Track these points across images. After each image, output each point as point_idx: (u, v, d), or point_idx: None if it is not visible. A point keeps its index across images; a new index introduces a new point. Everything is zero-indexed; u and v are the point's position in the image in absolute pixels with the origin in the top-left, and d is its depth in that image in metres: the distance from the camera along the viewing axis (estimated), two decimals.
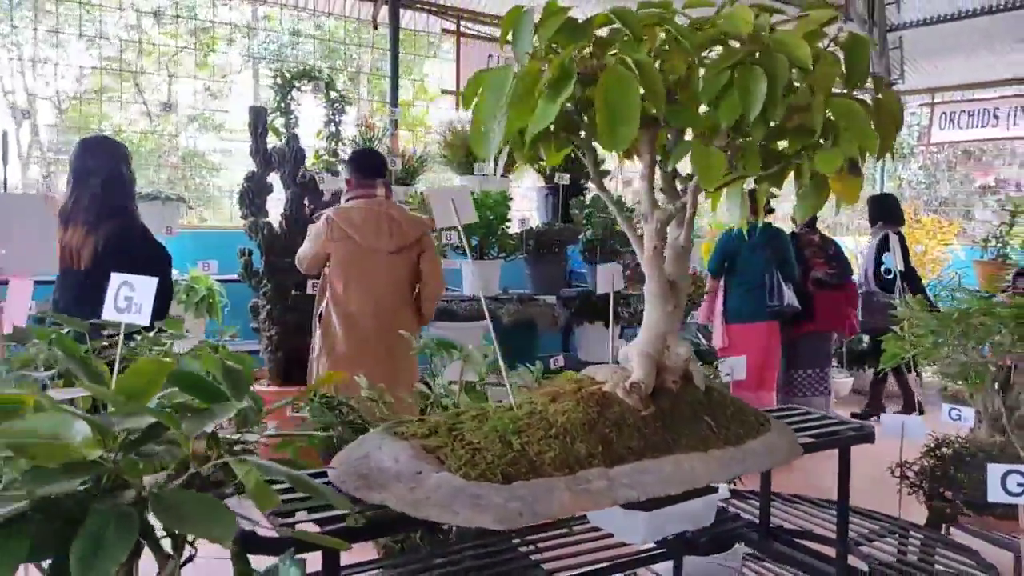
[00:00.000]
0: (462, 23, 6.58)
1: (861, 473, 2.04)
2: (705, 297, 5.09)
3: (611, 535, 2.01)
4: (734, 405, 1.58)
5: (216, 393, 1.01)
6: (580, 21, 1.28)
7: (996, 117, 8.54)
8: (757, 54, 1.22)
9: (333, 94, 5.48)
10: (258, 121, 4.39)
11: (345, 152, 5.67)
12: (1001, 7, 7.05)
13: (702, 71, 1.27)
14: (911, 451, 2.58)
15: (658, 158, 1.50)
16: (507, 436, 1.33)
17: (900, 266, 4.30)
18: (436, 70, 7.05)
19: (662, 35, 1.25)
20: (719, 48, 1.30)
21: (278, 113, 4.81)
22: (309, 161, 4.97)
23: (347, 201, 3.59)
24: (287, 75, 5.30)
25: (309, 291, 4.10)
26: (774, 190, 1.57)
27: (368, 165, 3.65)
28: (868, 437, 1.80)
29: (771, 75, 1.18)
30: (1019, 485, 1.49)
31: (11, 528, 0.79)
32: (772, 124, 1.23)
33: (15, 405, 0.91)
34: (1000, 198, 10.44)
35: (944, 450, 2.28)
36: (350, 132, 5.70)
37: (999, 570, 2.00)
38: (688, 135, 1.43)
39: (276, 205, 4.75)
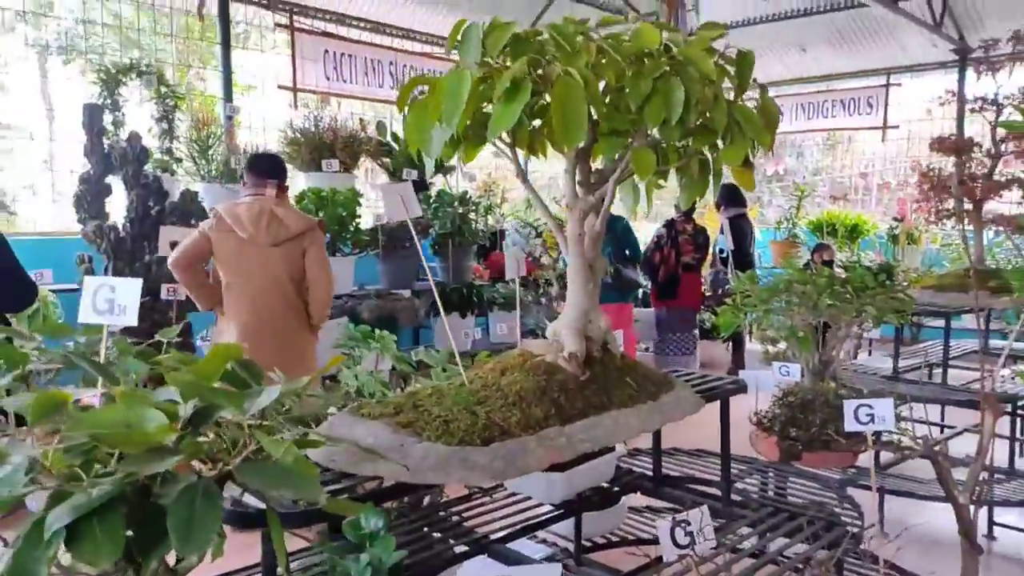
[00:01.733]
0: (295, 18, 6.48)
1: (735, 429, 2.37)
2: None
3: (528, 498, 2.22)
4: (642, 368, 1.83)
5: (244, 382, 1.09)
6: (521, 34, 1.44)
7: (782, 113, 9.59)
8: (669, 68, 1.44)
9: (164, 89, 5.25)
10: (94, 119, 4.15)
11: (180, 151, 5.46)
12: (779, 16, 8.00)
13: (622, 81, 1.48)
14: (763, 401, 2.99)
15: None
16: (471, 407, 1.48)
17: (731, 246, 4.87)
18: (270, 65, 6.88)
19: (592, 49, 1.44)
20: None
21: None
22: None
23: (240, 199, 3.71)
24: (112, 69, 5.02)
25: (164, 297, 3.96)
26: (660, 182, 1.83)
27: (260, 167, 3.76)
28: (742, 389, 2.12)
29: (686, 85, 1.41)
30: (867, 416, 1.86)
31: (109, 509, 0.85)
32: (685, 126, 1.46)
33: (61, 401, 0.95)
34: (786, 184, 11.70)
35: (791, 398, 2.68)
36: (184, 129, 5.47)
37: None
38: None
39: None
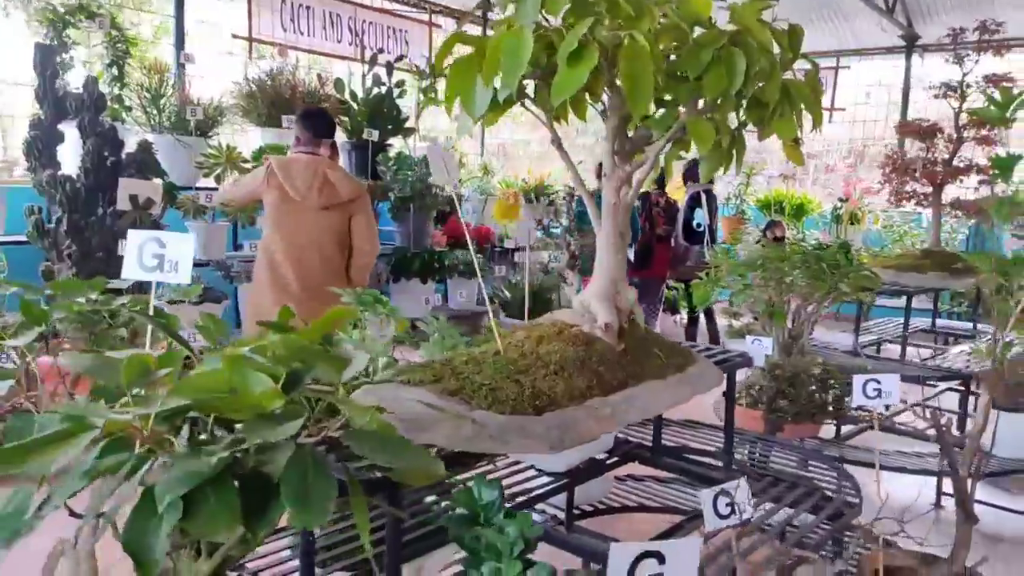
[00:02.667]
0: None
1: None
2: None
3: (528, 467, 2.21)
4: (664, 340, 1.83)
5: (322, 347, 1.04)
6: None
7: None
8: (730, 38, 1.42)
9: (115, 32, 4.96)
10: (47, 61, 3.89)
11: (131, 98, 5.18)
12: None
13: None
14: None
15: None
16: (513, 376, 1.46)
17: (707, 220, 4.94)
18: (224, 14, 6.57)
19: (656, 14, 1.41)
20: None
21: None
22: None
23: (292, 154, 3.78)
24: (60, 9, 4.72)
25: (120, 253, 3.78)
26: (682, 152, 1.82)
27: (315, 125, 3.80)
28: (748, 362, 2.15)
29: (747, 56, 1.40)
30: (874, 390, 1.91)
31: (222, 478, 0.80)
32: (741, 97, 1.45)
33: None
34: None
35: (777, 372, 2.75)
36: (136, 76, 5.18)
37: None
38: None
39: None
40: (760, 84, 1.45)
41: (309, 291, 3.59)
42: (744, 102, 1.50)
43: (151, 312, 1.16)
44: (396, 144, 6.68)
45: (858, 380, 1.92)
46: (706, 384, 1.75)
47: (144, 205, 3.67)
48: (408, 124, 6.58)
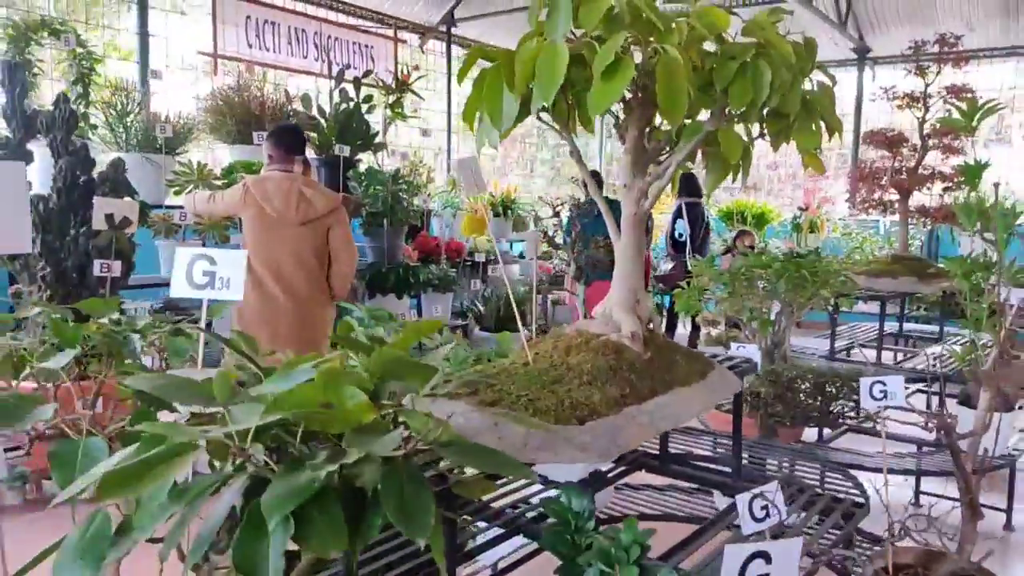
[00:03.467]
0: None
1: None
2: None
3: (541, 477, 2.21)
4: (683, 348, 1.86)
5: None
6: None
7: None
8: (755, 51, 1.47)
9: (81, 50, 4.85)
10: (14, 78, 3.78)
11: (97, 116, 5.07)
12: None
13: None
14: None
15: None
16: (548, 386, 1.46)
17: (688, 231, 5.02)
18: (182, 30, 6.47)
19: (684, 28, 1.44)
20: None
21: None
22: None
23: (266, 173, 3.80)
24: (22, 25, 4.61)
25: (97, 273, 3.69)
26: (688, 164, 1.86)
27: (286, 142, 3.84)
28: (753, 368, 2.19)
29: (772, 68, 1.44)
30: (880, 392, 1.96)
31: (326, 494, 0.79)
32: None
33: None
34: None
35: (772, 378, 2.80)
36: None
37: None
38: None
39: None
40: (781, 95, 1.49)
41: (296, 303, 3.63)
42: (764, 113, 1.54)
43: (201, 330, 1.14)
44: (365, 160, 6.66)
45: (865, 382, 1.97)
46: (728, 389, 1.78)
47: (120, 224, 3.59)
48: (377, 140, 6.57)
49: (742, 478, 2.20)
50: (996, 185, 2.07)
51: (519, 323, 1.68)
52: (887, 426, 3.15)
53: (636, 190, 1.69)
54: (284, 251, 3.67)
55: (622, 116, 1.78)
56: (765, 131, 1.58)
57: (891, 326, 4.99)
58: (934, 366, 4.05)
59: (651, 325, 1.76)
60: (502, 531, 1.80)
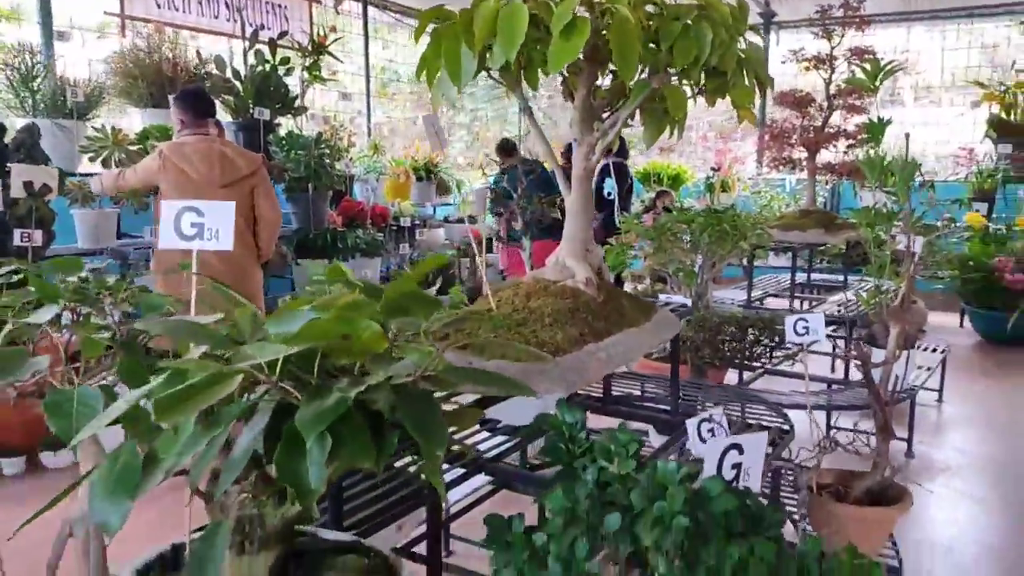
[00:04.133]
0: None
1: None
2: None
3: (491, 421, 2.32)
4: (628, 294, 1.99)
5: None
6: None
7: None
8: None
9: None
10: None
11: None
12: None
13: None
14: None
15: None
16: (515, 328, 1.57)
17: (616, 190, 5.18)
18: None
19: None
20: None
21: None
22: None
23: (180, 138, 3.74)
24: None
25: (18, 243, 3.57)
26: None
27: (198, 105, 3.84)
28: (689, 312, 2.35)
29: (713, 28, 1.55)
30: (803, 328, 2.15)
31: (352, 416, 0.87)
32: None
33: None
34: None
35: (702, 324, 2.99)
36: None
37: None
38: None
39: None
40: (721, 54, 1.61)
41: (227, 265, 3.59)
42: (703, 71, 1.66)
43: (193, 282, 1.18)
44: (285, 124, 6.53)
45: (789, 320, 2.15)
46: (670, 330, 1.93)
47: (40, 192, 3.47)
48: (297, 103, 6.45)
49: (679, 414, 2.37)
50: (907, 135, 2.26)
51: (482, 272, 1.77)
52: (802, 367, 3.39)
53: (585, 145, 1.79)
54: None
55: (568, 75, 1.88)
56: (704, 88, 1.70)
57: (799, 277, 5.31)
58: (840, 311, 4.36)
59: (600, 273, 1.88)
60: (462, 471, 1.90)
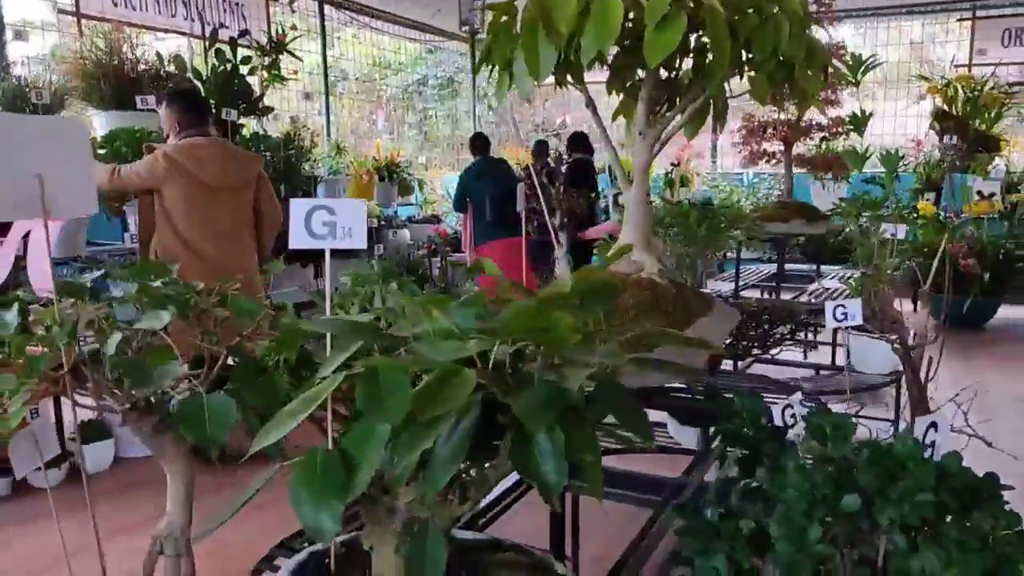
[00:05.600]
0: None
1: None
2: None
3: None
4: (685, 284, 2.02)
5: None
6: None
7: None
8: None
9: None
10: None
11: None
12: None
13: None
14: None
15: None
16: (604, 319, 1.57)
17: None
18: None
19: None
20: None
21: None
22: None
23: (185, 140, 3.52)
24: None
25: None
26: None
27: (197, 105, 3.72)
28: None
29: (789, 19, 1.58)
30: (842, 314, 2.21)
31: (566, 414, 0.86)
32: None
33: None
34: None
35: None
36: None
37: None
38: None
39: None
40: (794, 44, 1.64)
41: (238, 268, 3.42)
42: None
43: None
44: (248, 125, 6.39)
45: (829, 306, 2.20)
46: (731, 321, 1.95)
47: None
48: (260, 103, 6.31)
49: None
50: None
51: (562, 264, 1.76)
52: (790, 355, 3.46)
53: (650, 138, 1.80)
54: (224, 217, 3.51)
55: (618, 68, 1.89)
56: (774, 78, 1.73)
57: (774, 267, 5.45)
58: (818, 298, 4.49)
59: (662, 264, 1.90)
60: None
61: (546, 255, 6.33)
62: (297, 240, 1.14)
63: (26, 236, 1.16)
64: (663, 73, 1.84)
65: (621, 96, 2.02)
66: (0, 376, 1.16)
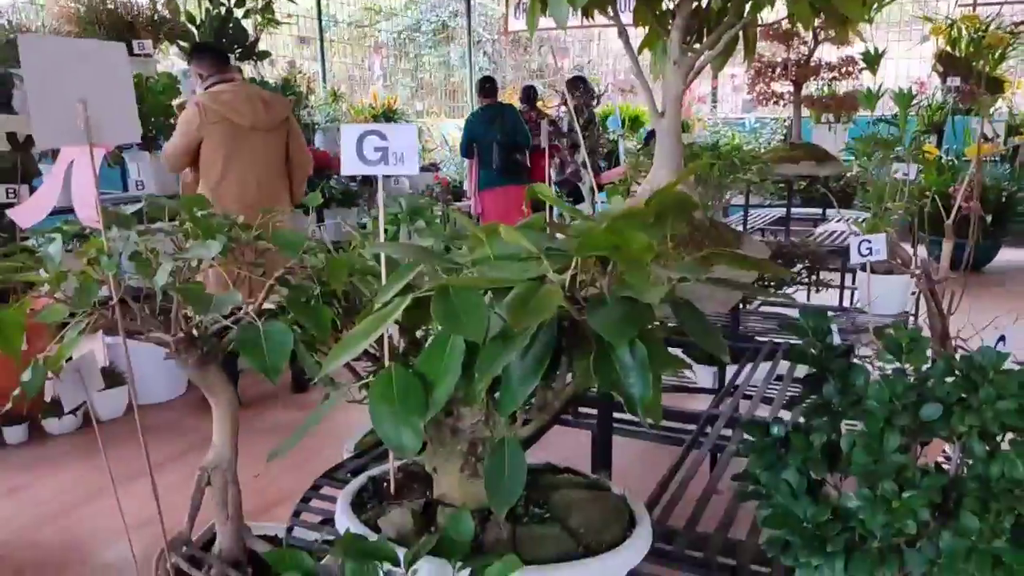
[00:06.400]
0: None
1: None
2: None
3: None
4: (713, 219, 2.01)
5: None
6: None
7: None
8: None
9: None
10: None
11: None
12: None
13: None
14: None
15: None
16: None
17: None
18: None
19: None
20: None
21: None
22: None
23: (210, 87, 3.55)
24: None
25: (3, 199, 3.35)
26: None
27: (220, 53, 3.79)
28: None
29: None
30: (867, 249, 2.21)
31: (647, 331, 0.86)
32: None
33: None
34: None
35: None
36: None
37: None
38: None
39: None
40: None
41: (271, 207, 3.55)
42: None
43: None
44: (244, 70, 6.26)
45: (854, 240, 2.20)
46: (763, 254, 1.95)
47: (26, 144, 3.25)
48: (256, 47, 6.18)
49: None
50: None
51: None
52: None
53: (684, 67, 1.78)
54: (258, 159, 3.55)
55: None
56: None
57: (780, 211, 5.44)
58: (829, 239, 4.50)
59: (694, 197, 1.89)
60: None
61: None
62: (349, 167, 1.12)
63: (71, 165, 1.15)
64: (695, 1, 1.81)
65: (646, 28, 1.98)
66: (51, 308, 1.15)
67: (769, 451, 0.94)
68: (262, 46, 6.37)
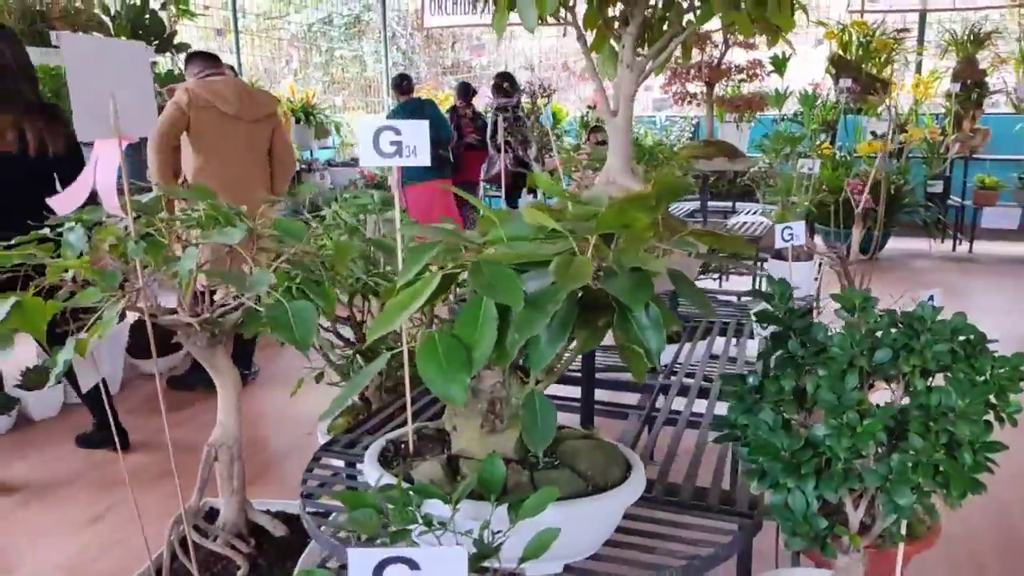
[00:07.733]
0: None
1: None
2: None
3: None
4: None
5: None
6: None
7: (475, 5, 10.09)
8: None
9: None
10: None
11: None
12: None
13: None
14: None
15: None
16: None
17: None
18: None
19: None
20: None
21: None
22: None
23: (202, 78, 3.66)
24: None
25: None
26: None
27: (210, 55, 3.87)
28: None
29: None
30: (789, 235, 2.46)
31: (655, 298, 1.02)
32: None
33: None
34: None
35: None
36: None
37: None
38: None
39: None
40: None
41: (253, 206, 3.67)
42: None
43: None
44: (160, 63, 6.16)
45: (778, 227, 2.45)
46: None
47: None
48: (173, 39, 6.08)
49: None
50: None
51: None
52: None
53: (636, 71, 1.96)
54: (240, 148, 3.63)
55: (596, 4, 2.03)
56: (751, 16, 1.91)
57: (694, 204, 5.76)
58: (739, 229, 4.82)
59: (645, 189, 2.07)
60: None
61: (472, 195, 6.54)
62: (367, 158, 1.24)
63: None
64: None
65: (594, 32, 2.15)
66: (84, 291, 1.22)
67: (747, 396, 1.12)
68: (182, 39, 6.27)
